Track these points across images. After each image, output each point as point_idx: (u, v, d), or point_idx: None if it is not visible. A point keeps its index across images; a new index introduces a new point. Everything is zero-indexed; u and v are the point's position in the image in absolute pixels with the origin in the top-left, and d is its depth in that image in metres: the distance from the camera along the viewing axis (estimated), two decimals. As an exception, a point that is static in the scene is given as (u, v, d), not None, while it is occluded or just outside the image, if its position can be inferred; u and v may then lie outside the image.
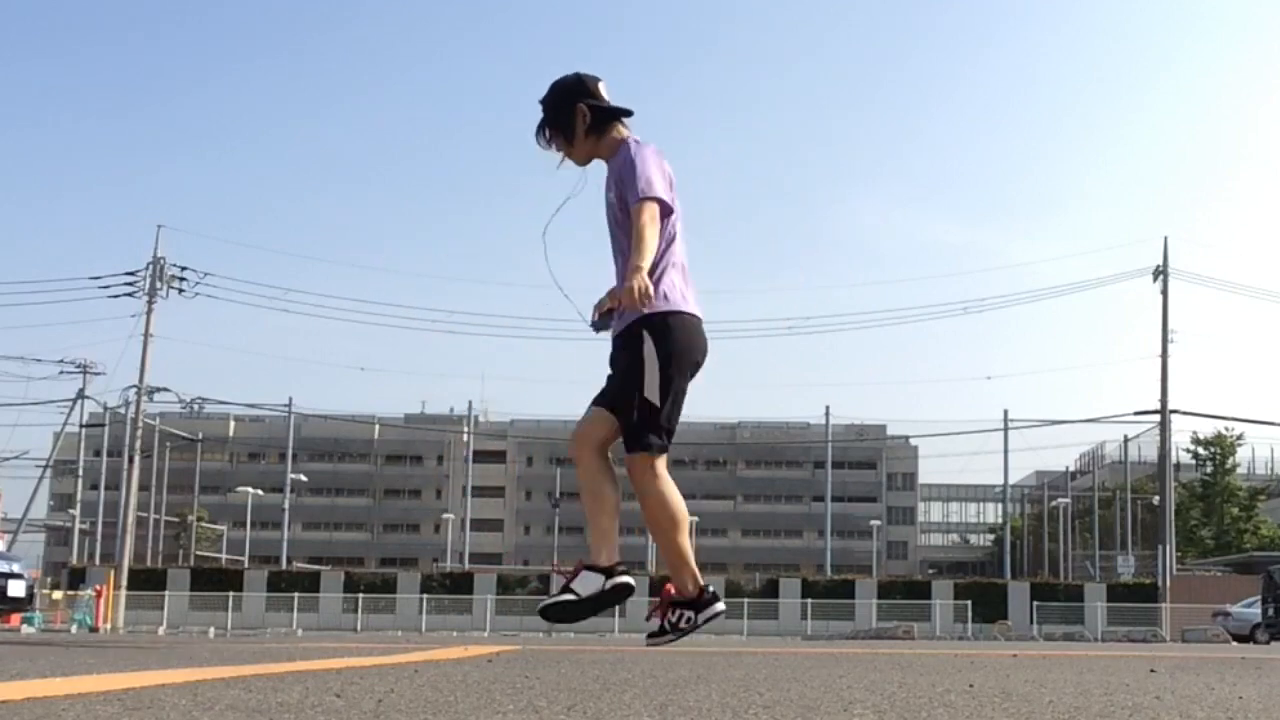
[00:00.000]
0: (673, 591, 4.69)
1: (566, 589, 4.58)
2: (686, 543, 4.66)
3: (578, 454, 4.70)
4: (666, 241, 4.62)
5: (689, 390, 4.76)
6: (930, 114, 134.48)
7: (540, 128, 4.86)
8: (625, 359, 4.60)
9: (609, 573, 4.55)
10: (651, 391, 4.53)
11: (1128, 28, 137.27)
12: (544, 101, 4.88)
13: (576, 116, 4.76)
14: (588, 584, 4.55)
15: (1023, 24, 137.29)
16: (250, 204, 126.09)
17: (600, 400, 4.69)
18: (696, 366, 4.69)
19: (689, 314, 4.63)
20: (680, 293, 4.61)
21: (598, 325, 4.80)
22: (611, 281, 4.74)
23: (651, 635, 4.84)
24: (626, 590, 4.58)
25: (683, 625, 4.65)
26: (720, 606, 4.71)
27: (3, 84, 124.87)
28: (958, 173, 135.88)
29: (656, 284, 4.52)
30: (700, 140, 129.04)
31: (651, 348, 4.53)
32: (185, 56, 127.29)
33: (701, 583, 4.68)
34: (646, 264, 4.38)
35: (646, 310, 4.50)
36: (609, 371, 4.70)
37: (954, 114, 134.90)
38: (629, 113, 4.84)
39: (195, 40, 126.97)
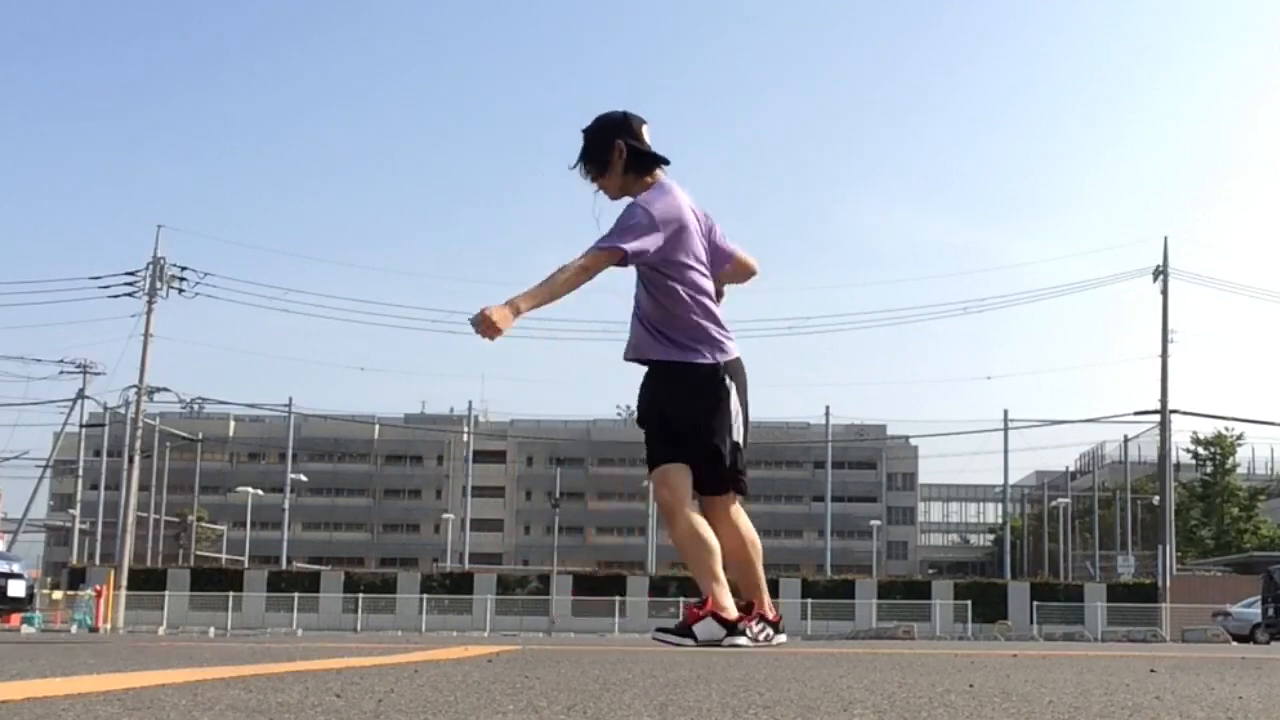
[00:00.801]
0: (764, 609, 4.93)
1: (688, 630, 4.72)
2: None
3: (676, 511, 4.84)
4: (692, 290, 4.80)
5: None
6: (930, 114, 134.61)
7: (580, 157, 4.95)
8: (697, 403, 4.79)
9: (732, 629, 4.72)
10: (739, 434, 4.85)
11: (1128, 28, 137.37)
12: (586, 132, 4.95)
13: (614, 152, 4.85)
14: (708, 631, 4.70)
15: (1023, 24, 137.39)
16: (250, 204, 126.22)
17: (674, 454, 4.83)
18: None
19: (737, 359, 4.94)
20: (715, 342, 4.84)
21: None
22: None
23: (669, 631, 4.98)
24: (738, 648, 4.73)
25: (761, 639, 4.85)
26: (742, 641, 4.92)
27: (3, 84, 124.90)
28: (958, 173, 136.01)
29: (695, 333, 4.77)
30: (700, 140, 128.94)
31: (734, 391, 4.82)
32: (185, 56, 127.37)
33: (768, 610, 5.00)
34: (528, 306, 4.52)
35: (718, 357, 4.80)
36: (647, 410, 4.89)
37: (954, 114, 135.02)
38: (666, 161, 4.94)
39: (195, 40, 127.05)
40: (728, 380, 4.83)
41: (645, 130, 4.91)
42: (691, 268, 4.83)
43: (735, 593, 4.88)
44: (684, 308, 4.79)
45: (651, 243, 4.71)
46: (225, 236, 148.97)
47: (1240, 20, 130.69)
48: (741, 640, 4.69)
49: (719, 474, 4.81)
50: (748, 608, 4.87)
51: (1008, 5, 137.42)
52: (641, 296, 4.87)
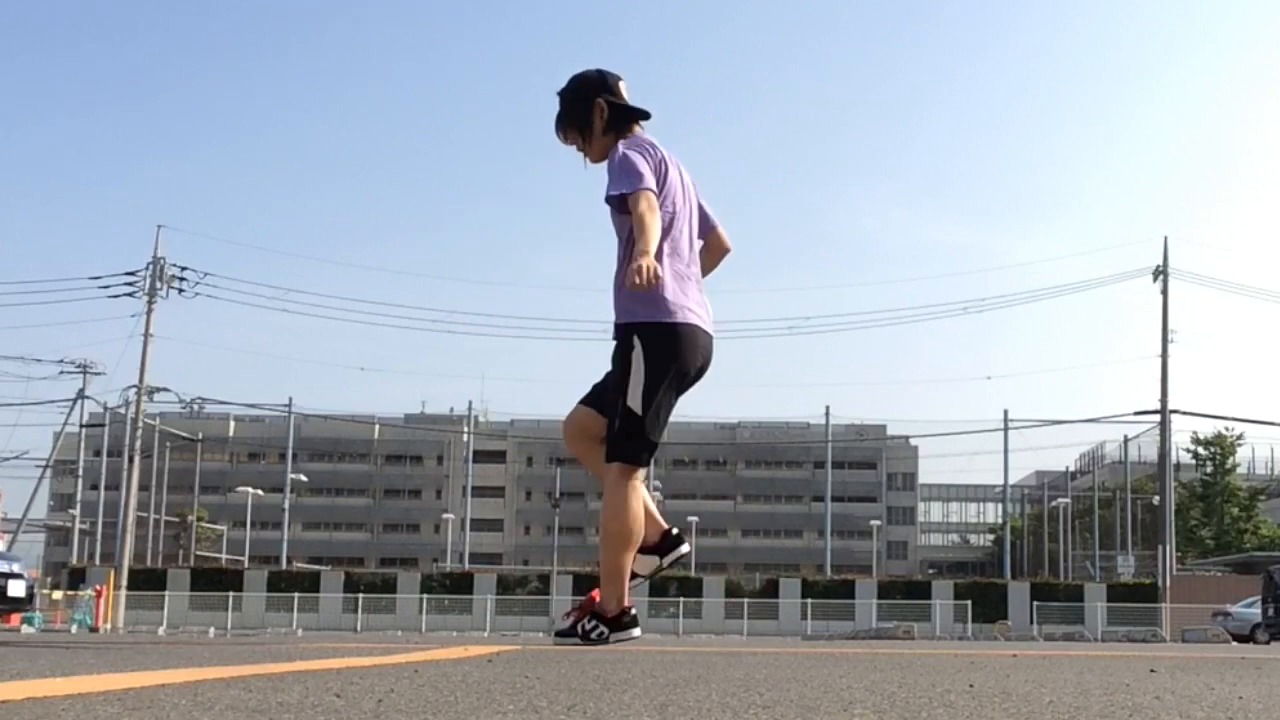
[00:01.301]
0: (595, 601, 4.67)
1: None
2: (628, 562, 4.61)
3: (578, 452, 4.72)
4: (667, 245, 4.49)
5: (690, 393, 4.69)
6: (930, 114, 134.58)
7: (560, 121, 4.71)
8: (618, 363, 4.52)
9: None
10: (634, 400, 4.43)
11: (1128, 28, 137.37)
12: (562, 94, 4.72)
13: (595, 112, 4.63)
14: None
15: (1023, 24, 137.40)
16: (250, 204, 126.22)
17: (587, 399, 4.69)
18: (689, 377, 4.56)
19: (685, 323, 4.47)
20: (677, 300, 4.47)
21: None
22: (610, 280, 4.67)
23: (560, 633, 4.82)
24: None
25: (593, 637, 4.61)
26: (636, 632, 4.69)
27: (3, 84, 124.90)
28: (958, 173, 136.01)
29: (667, 293, 4.42)
30: (700, 139, 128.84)
31: (640, 355, 4.42)
32: (185, 55, 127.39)
33: (625, 604, 4.64)
34: (652, 249, 4.23)
35: (641, 317, 4.43)
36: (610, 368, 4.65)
37: (954, 114, 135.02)
38: (647, 115, 4.72)
39: (195, 39, 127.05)
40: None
41: (623, 86, 4.68)
42: (682, 224, 4.62)
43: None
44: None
45: (676, 191, 4.59)
46: (225, 236, 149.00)
47: (1240, 20, 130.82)
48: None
49: (609, 435, 4.59)
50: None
51: (1008, 5, 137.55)
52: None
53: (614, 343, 4.57)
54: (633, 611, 4.68)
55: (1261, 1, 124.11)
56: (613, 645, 4.61)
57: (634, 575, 4.71)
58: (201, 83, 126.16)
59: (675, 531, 4.79)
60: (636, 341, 4.44)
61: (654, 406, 4.46)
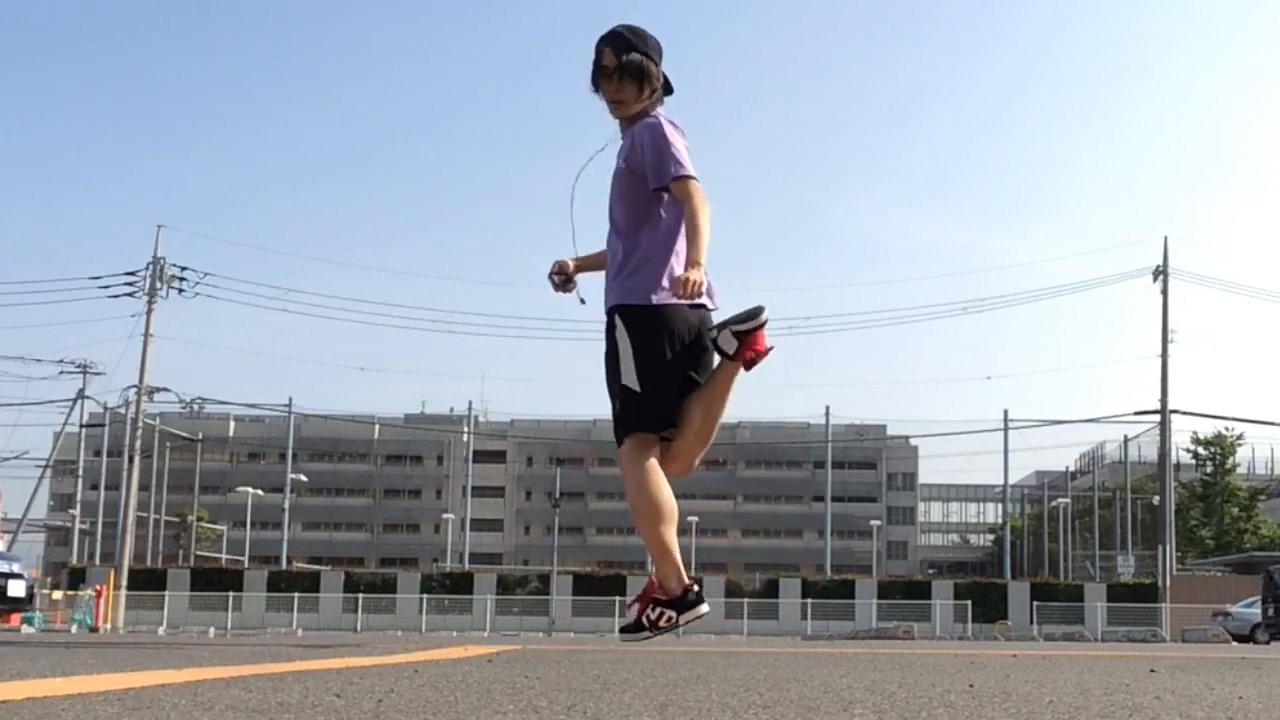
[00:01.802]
0: (656, 587, 4.46)
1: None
2: (671, 535, 4.40)
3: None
4: (667, 230, 4.47)
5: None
6: (930, 114, 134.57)
7: (621, 70, 4.54)
8: (606, 348, 4.50)
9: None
10: (629, 378, 4.38)
11: (1128, 28, 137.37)
12: (621, 46, 4.58)
13: (655, 76, 4.58)
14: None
15: (1023, 24, 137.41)
16: (250, 204, 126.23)
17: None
18: (686, 345, 4.43)
19: (664, 305, 4.39)
20: (661, 283, 4.41)
21: (560, 288, 4.78)
22: (602, 243, 4.67)
23: (625, 630, 4.59)
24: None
25: (662, 624, 4.42)
26: (704, 609, 4.43)
27: (3, 84, 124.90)
28: (958, 173, 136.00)
29: (655, 274, 4.41)
30: (700, 139, 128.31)
31: (625, 334, 4.40)
32: (185, 55, 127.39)
33: (686, 580, 4.43)
34: (704, 256, 4.22)
35: (622, 300, 4.41)
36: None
37: (954, 114, 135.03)
38: (672, 91, 4.69)
39: (194, 39, 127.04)
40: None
41: None
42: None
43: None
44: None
45: None
46: (225, 236, 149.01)
47: (1240, 20, 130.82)
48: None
49: (613, 418, 4.55)
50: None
51: (1008, 5, 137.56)
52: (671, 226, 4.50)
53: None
54: (696, 588, 4.47)
55: (1261, 1, 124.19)
56: (646, 646, 4.50)
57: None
58: (201, 83, 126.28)
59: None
60: (619, 322, 4.42)
61: (654, 378, 4.38)
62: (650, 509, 4.36)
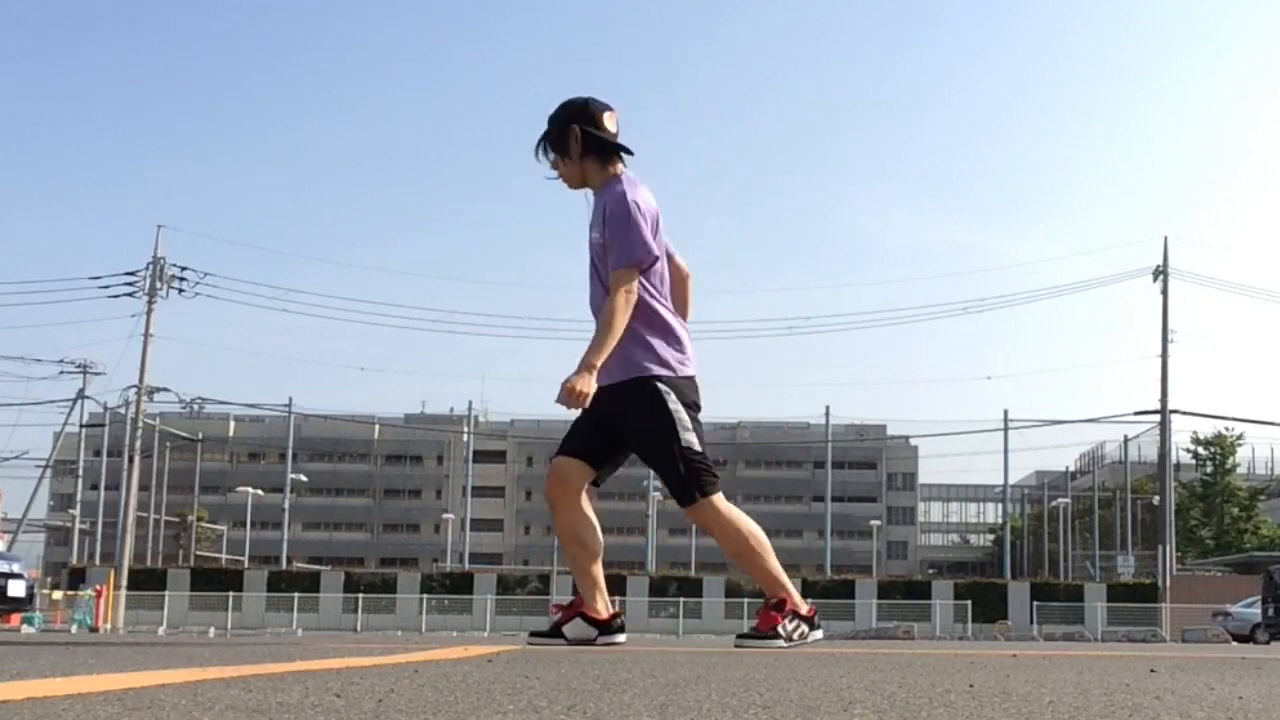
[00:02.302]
0: (786, 604, 4.82)
1: (558, 632, 4.78)
2: (774, 562, 4.81)
3: (558, 500, 4.87)
4: (654, 291, 4.68)
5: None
6: (930, 114, 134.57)
7: (539, 142, 4.85)
8: (644, 417, 4.66)
9: (605, 628, 4.78)
10: (689, 441, 4.66)
11: (1128, 28, 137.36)
12: (550, 117, 4.87)
13: (569, 138, 4.73)
14: (579, 631, 4.76)
15: (1023, 23, 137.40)
16: (250, 204, 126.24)
17: (572, 450, 4.81)
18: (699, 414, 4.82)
19: (690, 374, 4.76)
20: (675, 357, 4.71)
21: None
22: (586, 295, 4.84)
23: (745, 638, 4.95)
24: (615, 646, 4.74)
25: (795, 638, 4.80)
26: (819, 634, 4.91)
27: (3, 84, 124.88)
28: (958, 173, 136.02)
29: (647, 350, 4.62)
30: (699, 139, 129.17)
31: (675, 399, 4.65)
32: (185, 55, 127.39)
33: (801, 604, 4.84)
34: (601, 359, 4.46)
35: (654, 370, 4.63)
36: (592, 420, 4.72)
37: (954, 114, 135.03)
38: (628, 151, 4.79)
39: (195, 39, 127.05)
40: None
41: (609, 118, 4.76)
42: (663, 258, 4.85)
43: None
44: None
45: (656, 237, 4.72)
46: (225, 236, 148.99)
47: (1240, 20, 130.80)
48: (617, 639, 4.81)
49: (678, 483, 4.81)
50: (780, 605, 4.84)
51: (1008, 5, 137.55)
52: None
53: (607, 398, 4.62)
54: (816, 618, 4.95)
55: (1261, 1, 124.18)
56: (645, 645, 4.79)
57: (559, 635, 4.79)
58: (201, 83, 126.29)
59: (620, 620, 4.93)
60: (664, 388, 4.67)
61: (701, 439, 4.73)
62: (750, 549, 4.77)
